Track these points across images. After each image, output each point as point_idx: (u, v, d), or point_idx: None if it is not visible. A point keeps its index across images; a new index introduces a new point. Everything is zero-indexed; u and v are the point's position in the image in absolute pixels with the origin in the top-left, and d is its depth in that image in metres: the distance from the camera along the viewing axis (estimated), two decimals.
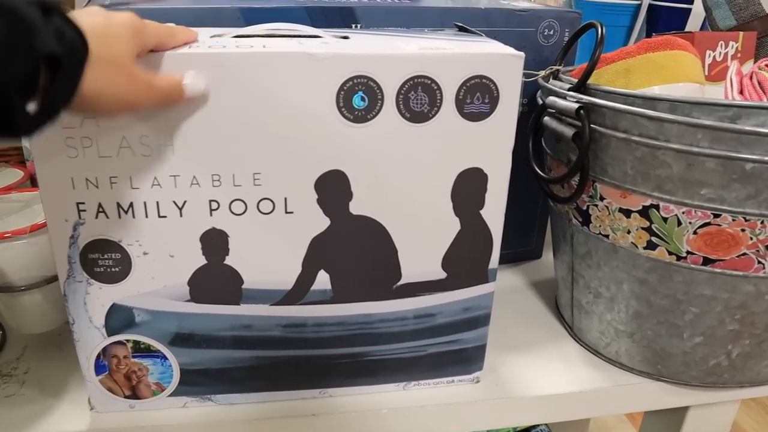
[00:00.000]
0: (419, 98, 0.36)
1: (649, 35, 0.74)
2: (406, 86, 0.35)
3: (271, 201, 0.36)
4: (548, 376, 0.48)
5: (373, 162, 0.37)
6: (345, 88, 0.35)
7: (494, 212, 0.40)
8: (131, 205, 0.35)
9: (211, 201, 0.36)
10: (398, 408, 0.44)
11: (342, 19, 0.48)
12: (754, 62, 0.55)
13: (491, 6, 0.54)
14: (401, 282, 0.40)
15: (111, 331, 0.39)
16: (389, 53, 0.35)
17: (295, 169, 0.36)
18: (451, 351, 0.44)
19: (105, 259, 0.37)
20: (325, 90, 0.34)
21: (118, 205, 0.35)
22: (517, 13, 0.53)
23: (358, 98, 0.35)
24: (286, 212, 0.37)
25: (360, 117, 0.35)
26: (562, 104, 0.43)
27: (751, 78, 0.45)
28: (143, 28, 0.31)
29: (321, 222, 0.38)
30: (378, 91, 0.35)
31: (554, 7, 0.57)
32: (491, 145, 0.38)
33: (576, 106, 0.41)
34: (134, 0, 0.47)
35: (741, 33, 0.54)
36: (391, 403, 0.44)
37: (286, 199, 0.36)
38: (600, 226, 0.45)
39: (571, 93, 0.43)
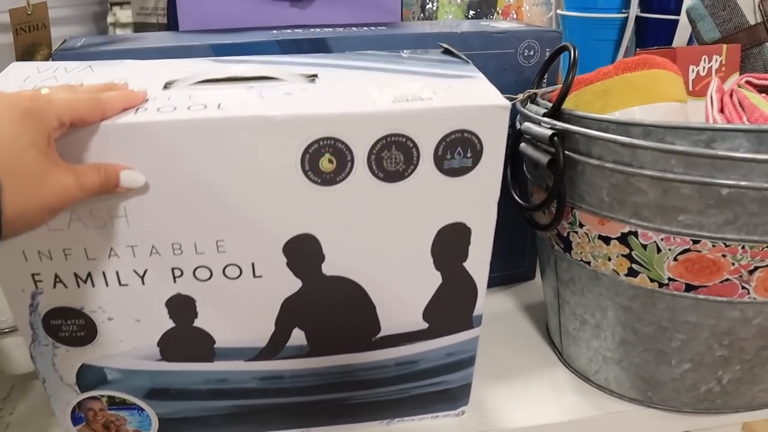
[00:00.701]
0: (393, 157, 0.33)
1: (637, 48, 0.73)
2: (379, 146, 0.33)
3: (238, 266, 0.35)
4: (536, 405, 0.47)
5: (345, 224, 0.35)
6: (310, 150, 0.32)
7: (478, 263, 0.38)
8: (89, 274, 0.34)
9: (173, 269, 0.35)
10: None
11: (315, 50, 0.48)
12: (740, 75, 0.54)
13: (469, 30, 0.53)
14: (381, 335, 0.39)
15: (83, 388, 0.38)
16: (359, 112, 0.32)
17: (261, 235, 0.34)
18: (435, 392, 0.43)
19: (69, 325, 0.36)
20: (288, 154, 0.32)
21: (76, 275, 0.34)
22: (495, 35, 0.53)
23: (325, 160, 0.33)
24: (254, 276, 0.36)
25: (328, 179, 0.33)
26: (536, 130, 0.42)
27: (731, 96, 0.44)
28: (45, 108, 0.28)
29: (292, 284, 0.36)
30: (347, 152, 0.33)
31: (535, 26, 0.57)
32: (474, 199, 0.36)
33: (549, 132, 0.41)
34: (107, 41, 0.48)
35: (725, 46, 0.53)
36: None
37: (253, 264, 0.35)
38: (581, 252, 0.44)
39: (546, 119, 0.42)
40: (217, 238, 0.34)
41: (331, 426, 0.43)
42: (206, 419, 0.41)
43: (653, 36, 0.71)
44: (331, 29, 0.51)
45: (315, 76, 0.37)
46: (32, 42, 0.50)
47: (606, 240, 0.41)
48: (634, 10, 0.70)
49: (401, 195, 0.34)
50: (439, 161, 0.34)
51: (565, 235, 0.44)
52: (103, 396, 0.39)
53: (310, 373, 0.40)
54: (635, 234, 0.40)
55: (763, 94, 0.45)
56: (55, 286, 0.34)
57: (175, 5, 0.55)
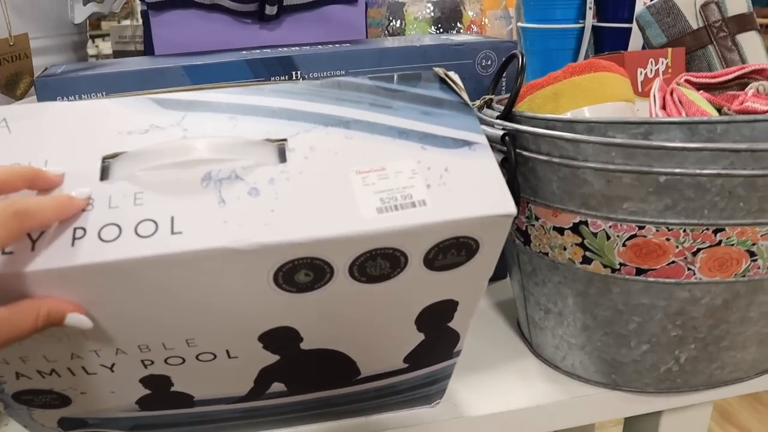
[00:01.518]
0: (378, 265, 0.30)
1: (596, 54, 0.77)
2: (362, 259, 0.29)
3: (211, 353, 0.34)
4: (507, 393, 0.49)
5: (324, 316, 0.33)
6: (284, 270, 0.29)
7: (462, 322, 0.36)
8: (53, 370, 0.33)
9: (143, 360, 0.33)
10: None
11: (282, 68, 0.51)
12: None
13: (429, 43, 0.56)
14: (361, 376, 0.40)
15: (67, 428, 0.40)
16: (338, 235, 0.28)
17: (233, 332, 0.32)
18: (413, 398, 0.45)
19: (41, 398, 0.36)
20: (258, 276, 0.29)
21: (39, 372, 0.33)
22: (453, 47, 0.56)
23: (301, 275, 0.29)
24: (230, 357, 0.34)
25: (305, 287, 0.30)
26: (490, 132, 0.45)
27: (671, 94, 0.47)
28: None
29: (270, 359, 0.35)
30: (326, 266, 0.29)
31: (492, 37, 0.60)
32: (465, 284, 0.33)
33: (501, 133, 0.44)
34: (83, 67, 0.50)
35: (670, 49, 0.57)
36: (353, 429, 0.45)
37: (228, 350, 0.34)
38: (539, 244, 0.46)
39: (498, 121, 0.45)
40: (186, 337, 0.32)
41: (313, 424, 0.45)
42: None
43: (609, 43, 0.74)
44: (297, 48, 0.54)
45: (284, 141, 0.31)
46: (15, 71, 0.52)
47: (560, 231, 0.44)
48: (590, 20, 0.74)
49: (386, 291, 0.31)
50: (429, 263, 0.31)
51: (524, 228, 0.47)
52: None
53: (291, 409, 0.41)
54: (585, 223, 0.42)
55: (701, 91, 0.49)
56: (18, 379, 0.33)
57: (150, 33, 0.58)
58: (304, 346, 0.35)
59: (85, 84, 0.47)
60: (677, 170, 0.38)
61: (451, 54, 0.56)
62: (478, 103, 0.51)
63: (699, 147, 0.38)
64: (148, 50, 0.64)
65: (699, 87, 0.49)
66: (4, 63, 0.50)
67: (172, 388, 0.37)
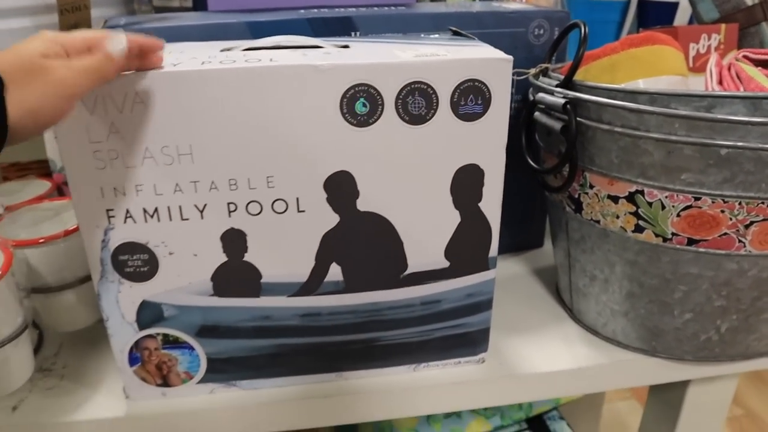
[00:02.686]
0: (417, 102, 0.39)
1: (639, 29, 0.76)
2: (404, 92, 0.38)
3: (284, 201, 0.40)
4: (550, 355, 0.51)
5: (376, 162, 0.40)
6: (347, 95, 0.38)
7: (492, 204, 0.43)
8: (156, 209, 0.39)
9: (229, 203, 0.39)
10: (409, 389, 0.47)
11: (342, 27, 0.51)
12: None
13: (483, 9, 0.57)
14: (408, 272, 0.44)
15: (142, 325, 0.42)
16: (387, 62, 0.38)
17: (305, 171, 0.39)
18: (457, 335, 0.47)
19: (134, 260, 0.40)
20: (330, 98, 0.38)
21: (144, 211, 0.39)
22: (508, 15, 0.56)
23: (360, 104, 0.38)
24: (299, 211, 0.40)
25: (362, 122, 0.39)
26: (550, 100, 0.46)
27: (729, 69, 0.48)
28: (56, 36, 0.32)
29: (331, 219, 0.41)
30: (378, 97, 0.38)
31: (544, 7, 0.60)
32: (486, 143, 0.41)
33: (563, 101, 0.44)
34: (145, 19, 0.51)
35: (723, 25, 0.57)
36: (402, 384, 0.47)
37: (297, 199, 0.40)
38: (591, 212, 0.48)
39: (558, 89, 0.46)
40: (267, 174, 0.39)
41: (362, 370, 0.47)
42: (250, 360, 0.44)
43: (654, 17, 0.74)
44: (354, 9, 0.55)
45: (347, 46, 0.42)
46: (75, 22, 0.53)
47: (615, 199, 0.45)
48: None
49: (423, 137, 0.40)
50: (455, 107, 0.39)
51: (576, 196, 0.48)
52: (158, 334, 0.43)
53: (345, 310, 0.44)
54: (642, 193, 0.43)
55: (759, 68, 0.49)
56: (125, 221, 0.39)
57: None
58: (359, 205, 0.41)
59: (153, 34, 0.48)
60: (740, 144, 0.39)
61: (505, 21, 0.56)
62: (533, 71, 0.52)
63: (762, 121, 0.38)
64: (198, 7, 0.64)
65: (757, 63, 0.50)
66: (65, 13, 0.51)
67: (246, 256, 0.41)
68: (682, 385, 0.62)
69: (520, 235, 0.67)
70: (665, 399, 0.66)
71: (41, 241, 0.46)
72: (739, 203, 0.41)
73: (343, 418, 0.47)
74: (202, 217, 0.39)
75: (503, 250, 0.65)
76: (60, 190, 0.61)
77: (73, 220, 0.48)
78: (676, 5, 0.70)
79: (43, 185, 0.61)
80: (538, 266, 0.65)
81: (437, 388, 0.48)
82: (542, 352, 0.51)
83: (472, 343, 0.48)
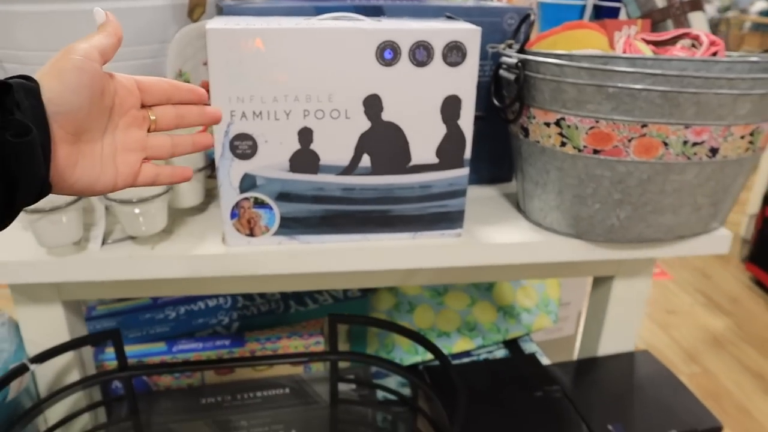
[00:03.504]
0: (421, 53, 0.63)
1: None
2: (414, 46, 0.63)
3: (338, 110, 0.64)
4: (507, 235, 0.75)
5: (395, 90, 0.64)
6: (380, 47, 0.62)
7: (466, 122, 0.67)
8: (260, 112, 0.63)
9: (304, 110, 0.64)
10: (409, 247, 0.71)
11: (375, 12, 0.76)
12: None
13: (471, 5, 0.81)
14: (411, 163, 0.68)
15: (242, 190, 0.67)
16: (404, 28, 0.62)
17: (352, 92, 0.63)
18: (442, 212, 0.71)
19: (243, 145, 0.65)
20: (369, 48, 0.62)
21: (253, 113, 0.63)
22: (488, 8, 0.81)
23: (387, 53, 0.63)
24: (346, 118, 0.65)
25: (388, 63, 0.63)
26: (509, 61, 0.71)
27: (629, 45, 0.72)
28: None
29: (365, 124, 0.65)
30: (398, 48, 0.62)
31: (517, 4, 0.85)
32: (463, 81, 0.65)
33: (516, 60, 0.69)
34: (245, 2, 0.76)
35: (640, 20, 0.82)
36: (406, 246, 0.71)
37: (346, 110, 0.64)
38: (534, 136, 0.72)
39: (514, 54, 0.70)
40: (329, 93, 0.63)
41: (379, 233, 0.71)
42: (308, 220, 0.69)
43: (605, 17, 0.99)
44: (383, 0, 0.80)
45: (380, 20, 0.67)
46: (195, 3, 0.78)
47: (547, 125, 0.69)
48: None
49: (425, 75, 0.64)
50: (444, 57, 0.64)
51: (525, 125, 0.73)
52: (251, 197, 0.67)
53: (370, 187, 0.68)
54: (564, 119, 0.68)
55: (651, 46, 0.73)
56: (241, 119, 0.63)
57: None
58: (384, 116, 0.65)
59: (250, 12, 0.73)
60: (619, 85, 0.63)
61: (486, 13, 0.81)
62: (502, 45, 0.76)
63: (632, 71, 0.63)
64: None
65: (650, 42, 0.74)
66: None
67: (311, 146, 0.65)
68: (608, 280, 0.86)
69: (495, 171, 0.91)
70: (599, 294, 0.90)
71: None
72: (623, 124, 0.65)
73: (363, 265, 0.71)
74: (287, 118, 0.64)
75: (482, 181, 0.90)
76: None
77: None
78: (619, 9, 0.95)
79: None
80: (507, 192, 0.89)
81: (428, 248, 0.72)
82: (501, 234, 0.75)
83: (452, 220, 0.72)
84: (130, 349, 0.86)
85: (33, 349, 0.75)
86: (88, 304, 0.97)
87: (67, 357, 0.77)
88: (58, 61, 0.39)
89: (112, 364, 0.85)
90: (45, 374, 0.77)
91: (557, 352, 1.40)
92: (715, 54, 0.69)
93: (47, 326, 0.75)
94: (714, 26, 4.54)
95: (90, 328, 0.92)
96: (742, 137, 0.67)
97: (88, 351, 0.83)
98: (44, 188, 0.38)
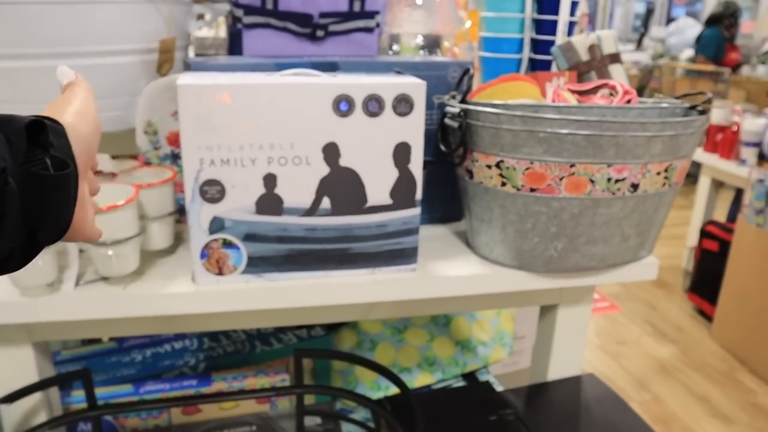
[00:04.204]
0: (373, 105, 0.71)
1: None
2: (367, 98, 0.70)
3: (299, 157, 0.70)
4: (456, 270, 0.81)
5: (351, 138, 0.71)
6: (336, 99, 0.69)
7: (416, 166, 0.74)
8: (228, 160, 0.69)
9: (268, 157, 0.70)
10: (368, 282, 0.77)
11: (331, 68, 0.84)
12: None
13: (419, 60, 0.90)
14: (367, 205, 0.74)
15: (211, 232, 0.72)
16: (358, 82, 0.69)
17: (312, 141, 0.70)
18: (397, 249, 0.78)
19: (212, 190, 0.70)
20: (326, 100, 0.69)
21: (221, 160, 0.69)
22: (433, 63, 0.90)
23: (343, 105, 0.70)
24: (307, 164, 0.71)
25: (344, 114, 0.70)
26: (452, 110, 0.79)
27: (558, 95, 0.81)
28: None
29: (325, 170, 0.71)
30: (352, 101, 0.70)
31: (458, 60, 0.94)
32: (411, 130, 0.72)
33: (458, 110, 0.77)
34: (210, 59, 0.82)
35: (567, 72, 0.92)
36: (364, 280, 0.77)
37: (307, 156, 0.70)
38: (478, 177, 0.80)
39: (457, 104, 0.79)
40: (291, 141, 0.69)
41: (339, 270, 0.77)
42: (273, 258, 0.74)
43: (540, 69, 1.09)
44: (338, 57, 0.88)
45: (335, 75, 0.74)
46: (163, 60, 0.84)
47: (489, 167, 0.77)
48: (527, 53, 1.08)
49: (377, 124, 0.70)
50: (394, 108, 0.70)
51: (470, 168, 0.80)
52: (219, 238, 0.72)
53: (331, 227, 0.74)
54: (503, 161, 0.76)
55: (576, 95, 0.83)
56: (210, 166, 0.69)
57: (240, 42, 0.90)
58: (341, 162, 0.71)
59: (215, 68, 0.80)
60: (548, 130, 0.72)
61: (432, 67, 0.89)
62: (446, 96, 0.85)
63: (558, 117, 0.71)
64: (235, 53, 0.97)
65: (575, 92, 0.83)
66: (162, 53, 0.83)
67: (276, 190, 0.70)
68: (553, 309, 0.94)
69: (447, 211, 0.98)
70: (545, 322, 0.97)
71: (153, 184, 0.76)
72: (554, 164, 0.74)
73: (326, 300, 0.77)
74: (253, 165, 0.70)
75: (435, 221, 0.97)
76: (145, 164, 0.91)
77: (166, 177, 0.78)
78: (551, 62, 1.05)
79: (133, 162, 0.90)
80: (457, 230, 0.96)
81: (385, 283, 0.78)
82: (452, 268, 0.82)
83: (407, 256, 0.78)
84: (97, 391, 0.88)
85: (0, 390, 0.77)
86: (53, 350, 0.98)
87: (34, 398, 0.79)
88: (83, 109, 0.43)
89: (79, 406, 0.87)
90: (12, 415, 0.79)
91: (514, 384, 1.46)
92: (629, 101, 0.79)
93: (16, 367, 0.77)
94: (649, 72, 4.85)
95: (55, 372, 0.93)
96: (659, 173, 0.76)
97: (55, 393, 0.85)
98: (68, 225, 0.39)
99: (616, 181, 0.74)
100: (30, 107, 0.77)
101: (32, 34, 0.73)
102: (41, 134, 0.36)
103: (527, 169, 0.75)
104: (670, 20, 7.12)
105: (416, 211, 0.76)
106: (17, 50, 0.74)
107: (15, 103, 0.77)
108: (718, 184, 2.70)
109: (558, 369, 1.00)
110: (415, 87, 0.72)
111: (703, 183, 2.69)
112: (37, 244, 0.36)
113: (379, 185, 0.74)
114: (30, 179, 0.34)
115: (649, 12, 6.54)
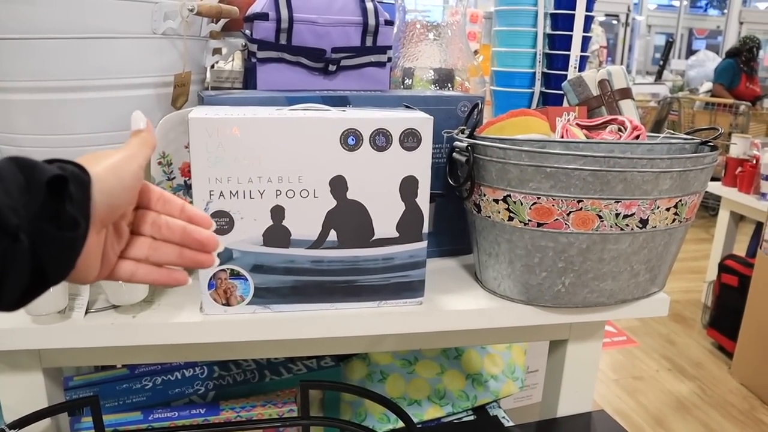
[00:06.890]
0: (381, 139, 0.72)
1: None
2: (374, 133, 0.71)
3: (307, 190, 0.71)
4: (464, 303, 0.81)
5: (359, 172, 0.72)
6: (344, 134, 0.70)
7: (423, 200, 0.75)
8: (237, 192, 0.70)
9: (276, 190, 0.71)
10: (375, 314, 0.77)
11: (341, 102, 0.85)
12: None
13: (429, 95, 0.91)
14: (374, 238, 0.75)
15: (219, 263, 0.73)
16: (366, 117, 0.71)
17: (320, 174, 0.71)
18: (404, 282, 0.78)
19: (221, 221, 0.71)
20: (335, 135, 0.70)
21: (230, 192, 0.70)
22: (443, 97, 0.91)
23: (350, 139, 0.71)
24: (315, 197, 0.72)
25: (352, 148, 0.71)
26: (461, 145, 0.79)
27: (566, 130, 0.82)
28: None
29: (332, 203, 0.72)
30: (360, 135, 0.71)
31: (469, 94, 0.95)
32: (419, 164, 0.73)
33: (466, 144, 0.78)
34: (224, 92, 0.84)
35: (578, 107, 0.92)
36: (371, 313, 0.77)
37: (314, 189, 0.72)
38: (485, 211, 0.80)
39: (465, 138, 0.79)
40: (299, 175, 0.70)
41: (346, 302, 0.77)
42: (279, 290, 0.75)
43: (551, 103, 1.10)
44: (349, 91, 0.89)
45: (345, 110, 0.75)
46: (177, 94, 0.87)
47: (496, 201, 0.78)
48: (539, 87, 1.09)
49: (384, 158, 0.71)
50: (401, 143, 0.71)
51: (477, 202, 0.81)
52: (227, 269, 0.73)
53: (337, 259, 0.74)
54: (510, 196, 0.76)
55: (585, 131, 0.83)
56: (219, 197, 0.70)
57: (254, 75, 0.92)
58: (349, 195, 0.72)
59: (227, 102, 0.81)
60: (555, 165, 0.72)
61: (442, 102, 0.91)
62: (456, 131, 0.86)
63: (566, 153, 0.72)
64: (249, 87, 0.99)
65: (584, 127, 0.84)
66: (177, 87, 0.85)
67: (283, 222, 0.71)
68: (563, 344, 0.92)
69: (455, 244, 0.98)
70: (555, 358, 0.96)
71: None
72: (562, 200, 0.74)
73: (332, 332, 0.77)
74: (261, 197, 0.71)
75: (444, 254, 0.97)
76: None
77: None
78: (563, 96, 1.06)
79: None
80: (465, 263, 0.96)
81: (392, 316, 0.78)
82: (460, 302, 0.82)
83: (414, 289, 0.79)
84: (106, 419, 0.89)
85: (10, 415, 0.78)
86: (65, 375, 0.99)
87: (44, 424, 0.80)
88: (120, 164, 0.43)
89: None
90: None
91: (527, 419, 1.43)
92: (637, 137, 0.79)
93: (27, 393, 0.78)
94: (668, 105, 4.84)
95: (67, 398, 0.94)
96: (668, 209, 0.76)
97: (64, 419, 0.85)
98: (64, 276, 0.40)
99: (625, 216, 0.74)
100: (49, 138, 0.79)
101: (53, 68, 0.76)
102: (62, 186, 0.37)
103: (534, 204, 0.75)
104: (690, 53, 7.12)
105: (423, 245, 0.77)
106: (38, 83, 0.76)
107: (35, 134, 0.80)
108: (737, 218, 2.66)
109: (568, 405, 0.98)
110: (422, 122, 0.72)
111: (722, 217, 2.66)
112: (45, 287, 0.39)
113: (385, 218, 0.74)
114: (39, 233, 0.36)
115: (669, 45, 6.55)
